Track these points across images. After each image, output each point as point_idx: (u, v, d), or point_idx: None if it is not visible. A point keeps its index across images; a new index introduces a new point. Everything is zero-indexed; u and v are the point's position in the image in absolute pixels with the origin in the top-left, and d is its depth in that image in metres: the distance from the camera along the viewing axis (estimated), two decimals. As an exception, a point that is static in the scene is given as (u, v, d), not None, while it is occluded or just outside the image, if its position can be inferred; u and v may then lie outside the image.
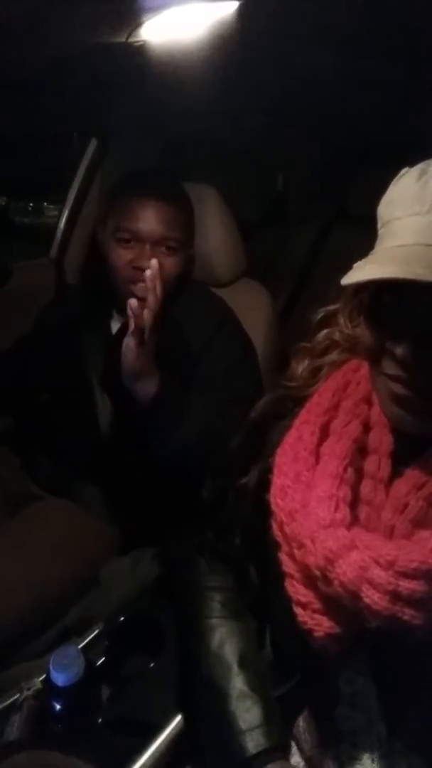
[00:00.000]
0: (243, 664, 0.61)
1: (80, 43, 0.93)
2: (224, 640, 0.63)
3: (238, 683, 0.60)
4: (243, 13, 0.83)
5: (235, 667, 0.61)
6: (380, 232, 0.52)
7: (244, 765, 0.56)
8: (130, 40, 0.95)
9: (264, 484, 0.60)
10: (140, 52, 0.98)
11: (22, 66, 0.96)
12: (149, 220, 1.01)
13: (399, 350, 0.47)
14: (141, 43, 0.97)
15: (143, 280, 0.99)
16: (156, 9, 0.85)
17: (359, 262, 0.49)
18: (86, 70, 1.03)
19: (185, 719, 0.69)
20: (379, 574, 0.46)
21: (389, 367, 0.49)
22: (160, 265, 1.01)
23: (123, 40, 0.94)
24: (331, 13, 0.81)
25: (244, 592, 0.68)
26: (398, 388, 0.49)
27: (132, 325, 0.86)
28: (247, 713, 0.58)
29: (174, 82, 1.09)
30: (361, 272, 0.47)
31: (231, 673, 0.61)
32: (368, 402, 0.57)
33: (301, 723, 0.60)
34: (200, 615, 0.66)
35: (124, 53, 0.98)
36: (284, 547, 0.55)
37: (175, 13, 0.86)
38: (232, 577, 0.69)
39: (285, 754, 0.58)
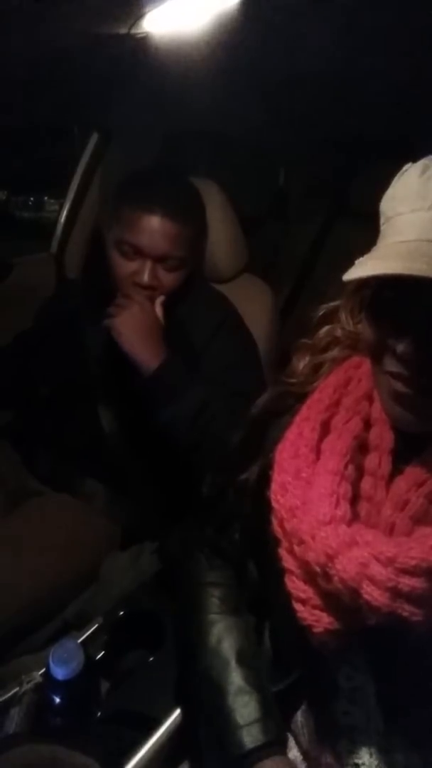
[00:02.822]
0: (241, 659, 0.61)
1: (82, 35, 0.92)
2: (222, 635, 0.63)
3: (235, 678, 0.60)
4: (246, 4, 0.82)
5: (233, 663, 0.61)
6: (382, 228, 0.51)
7: (242, 760, 0.56)
8: (133, 31, 0.94)
9: (264, 480, 0.60)
10: (143, 43, 0.97)
11: (22, 58, 0.95)
12: (153, 235, 0.96)
13: (400, 347, 0.47)
14: (143, 34, 0.96)
15: (141, 294, 0.99)
16: (159, 0, 0.85)
17: (361, 258, 0.49)
18: (88, 61, 1.03)
19: (183, 714, 0.69)
20: (379, 570, 0.46)
21: (391, 365, 0.49)
22: (160, 280, 1.00)
23: (125, 31, 0.94)
24: (333, 7, 0.81)
25: (243, 588, 0.68)
26: (399, 386, 0.49)
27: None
28: (244, 708, 0.58)
29: (176, 74, 1.08)
30: (363, 268, 0.47)
31: (229, 669, 0.61)
32: (369, 399, 0.57)
33: (299, 718, 0.60)
34: (199, 610, 0.66)
35: (126, 45, 0.97)
36: (284, 544, 0.55)
37: (177, 4, 0.86)
38: (231, 572, 0.69)
39: (282, 749, 0.59)
